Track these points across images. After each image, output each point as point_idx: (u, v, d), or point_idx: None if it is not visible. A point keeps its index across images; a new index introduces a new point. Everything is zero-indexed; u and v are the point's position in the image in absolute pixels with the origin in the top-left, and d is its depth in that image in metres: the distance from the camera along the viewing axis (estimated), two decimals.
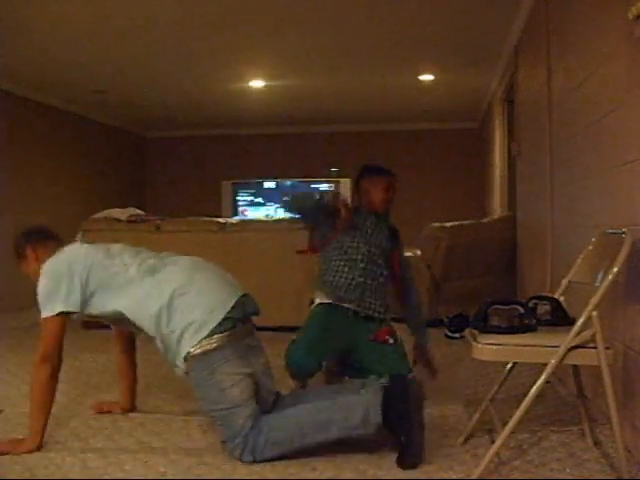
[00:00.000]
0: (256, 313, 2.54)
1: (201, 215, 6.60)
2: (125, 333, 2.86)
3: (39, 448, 2.43)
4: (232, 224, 5.57)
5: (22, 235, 2.71)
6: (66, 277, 2.46)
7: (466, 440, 2.50)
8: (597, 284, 2.12)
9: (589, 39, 2.99)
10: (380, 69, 6.66)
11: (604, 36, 2.74)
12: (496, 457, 2.22)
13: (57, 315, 2.45)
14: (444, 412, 2.93)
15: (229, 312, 2.38)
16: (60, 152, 8.00)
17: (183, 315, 2.37)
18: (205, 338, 2.33)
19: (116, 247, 2.61)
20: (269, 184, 10.02)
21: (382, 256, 3.23)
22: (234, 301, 2.42)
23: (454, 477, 2.17)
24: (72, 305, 2.46)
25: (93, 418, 2.87)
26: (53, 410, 2.50)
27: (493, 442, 2.26)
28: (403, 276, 3.38)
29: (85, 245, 2.62)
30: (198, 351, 2.33)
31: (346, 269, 3.10)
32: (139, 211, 5.83)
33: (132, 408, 2.95)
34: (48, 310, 2.46)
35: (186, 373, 2.40)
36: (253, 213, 10.00)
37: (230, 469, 2.27)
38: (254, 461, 2.30)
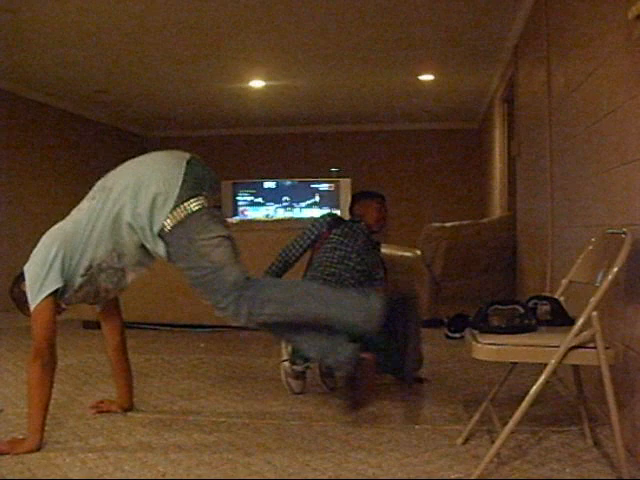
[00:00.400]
0: (214, 183, 2.54)
1: None
2: (116, 330, 2.87)
3: (39, 448, 2.43)
4: (232, 224, 5.57)
5: (14, 282, 2.66)
6: (42, 264, 2.48)
7: (466, 440, 2.50)
8: (597, 284, 2.12)
9: (589, 39, 2.99)
10: (380, 69, 6.66)
11: (604, 36, 2.74)
12: (496, 457, 2.22)
13: (43, 301, 2.45)
14: (444, 412, 2.93)
15: (185, 177, 2.40)
16: (60, 152, 8.00)
17: (146, 198, 2.39)
18: (174, 209, 2.36)
19: (76, 210, 2.62)
20: (269, 184, 10.02)
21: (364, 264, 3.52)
22: (184, 166, 2.43)
23: (454, 477, 2.17)
24: (53, 283, 2.46)
25: (93, 418, 2.87)
26: (53, 410, 2.50)
27: (493, 442, 2.26)
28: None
29: (56, 226, 2.61)
30: (172, 223, 2.36)
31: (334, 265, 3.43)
32: None
33: (130, 406, 2.95)
34: (34, 301, 2.47)
35: (168, 254, 2.41)
36: (253, 213, 10.00)
37: (230, 469, 2.27)
38: (250, 318, 2.34)
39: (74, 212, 2.62)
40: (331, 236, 3.50)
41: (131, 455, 2.39)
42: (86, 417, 2.88)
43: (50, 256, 2.48)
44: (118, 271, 2.60)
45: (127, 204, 2.44)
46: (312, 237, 3.55)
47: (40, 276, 2.47)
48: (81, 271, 2.53)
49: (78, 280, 2.54)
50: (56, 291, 2.49)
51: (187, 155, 2.53)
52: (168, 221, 2.37)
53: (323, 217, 3.62)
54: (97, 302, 2.78)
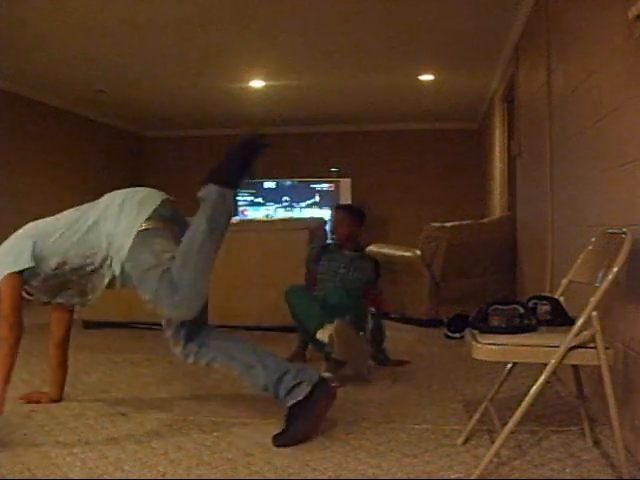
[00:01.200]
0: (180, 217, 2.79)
1: None
2: (63, 324, 3.05)
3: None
4: (232, 224, 5.56)
5: None
6: (15, 244, 2.72)
7: (466, 440, 2.50)
8: (597, 284, 2.12)
9: (589, 39, 2.99)
10: (380, 69, 6.66)
11: (604, 36, 2.74)
12: (496, 457, 2.22)
13: (10, 275, 2.65)
14: (444, 412, 2.93)
15: (158, 206, 2.66)
16: (60, 152, 8.00)
17: (121, 222, 2.64)
18: (143, 223, 2.60)
19: (61, 213, 2.86)
20: (269, 184, 10.02)
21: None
22: (158, 201, 2.70)
23: (454, 477, 2.17)
24: (23, 262, 2.66)
25: (93, 418, 2.87)
26: (53, 410, 2.50)
27: (493, 442, 2.26)
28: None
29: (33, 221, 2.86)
30: (137, 233, 2.58)
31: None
32: None
33: (60, 398, 3.11)
34: (1, 274, 2.66)
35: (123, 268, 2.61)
36: (253, 213, 10.00)
37: (230, 469, 2.27)
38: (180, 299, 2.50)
39: (56, 215, 2.86)
40: (320, 264, 4.03)
41: (131, 455, 2.39)
42: (86, 417, 2.88)
43: (21, 240, 2.72)
44: (87, 277, 2.76)
45: (110, 218, 2.68)
46: (313, 269, 4.07)
47: (11, 254, 2.68)
48: (51, 265, 2.70)
49: (46, 271, 2.71)
50: (23, 271, 2.67)
51: (166, 195, 2.80)
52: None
53: (312, 249, 4.20)
54: (55, 299, 2.91)
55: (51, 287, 2.81)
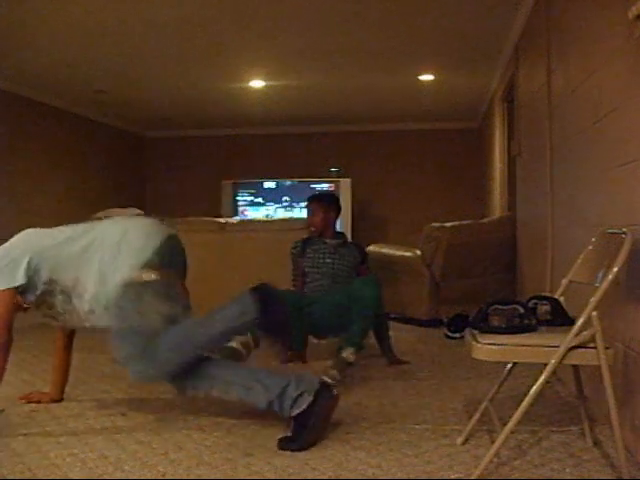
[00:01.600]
0: (182, 262, 2.79)
1: (201, 215, 6.61)
2: (67, 331, 3.05)
3: None
4: (232, 224, 5.57)
5: None
6: (5, 256, 2.68)
7: (466, 440, 2.50)
8: (597, 284, 2.12)
9: (589, 39, 2.99)
10: (380, 69, 6.66)
11: (604, 36, 2.74)
12: (496, 457, 2.22)
13: (4, 291, 2.64)
14: (444, 412, 2.93)
15: (158, 249, 2.60)
16: (60, 152, 8.00)
17: (120, 256, 2.58)
18: (140, 269, 2.54)
19: (60, 228, 2.82)
20: (269, 184, 10.01)
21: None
22: (160, 239, 2.65)
23: (454, 477, 2.17)
24: (16, 279, 2.64)
25: (93, 418, 2.87)
26: (53, 409, 2.50)
27: (493, 442, 2.26)
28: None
29: (32, 229, 2.82)
30: (131, 280, 2.52)
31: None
32: (139, 211, 5.84)
33: (61, 398, 3.13)
34: None
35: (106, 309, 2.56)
36: (253, 213, 9.99)
37: (230, 469, 2.27)
38: (152, 371, 2.54)
39: (55, 229, 2.82)
40: (306, 257, 4.11)
41: (131, 455, 2.39)
42: (86, 417, 2.88)
43: (18, 252, 2.68)
44: (70, 301, 2.69)
45: (106, 240, 2.64)
46: (299, 264, 4.16)
47: (5, 267, 2.66)
48: (43, 278, 2.67)
49: (40, 286, 2.69)
50: (17, 287, 2.66)
51: (170, 230, 2.77)
52: (129, 277, 2.54)
53: (295, 246, 4.24)
54: (49, 317, 2.86)
55: (44, 303, 2.76)
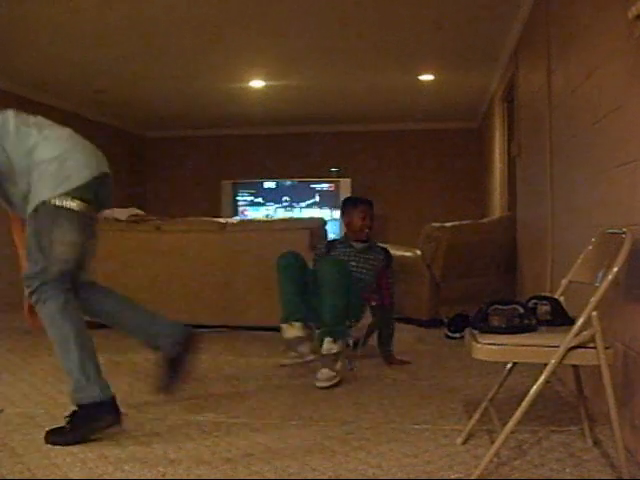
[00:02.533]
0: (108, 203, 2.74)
1: (201, 215, 6.60)
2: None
3: None
4: (232, 224, 5.57)
5: None
6: None
7: (466, 440, 2.50)
8: (597, 284, 2.12)
9: (589, 39, 2.99)
10: (380, 69, 6.66)
11: (604, 36, 2.74)
12: (496, 457, 2.22)
13: None
14: (444, 412, 2.93)
15: (94, 178, 2.57)
16: None
17: (60, 165, 2.54)
18: (68, 194, 2.50)
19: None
20: (269, 184, 10.02)
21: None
22: (101, 171, 2.62)
23: (454, 477, 2.17)
24: None
25: None
26: (53, 409, 2.50)
27: (493, 442, 2.26)
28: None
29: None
30: (56, 202, 2.49)
31: None
32: (139, 211, 5.84)
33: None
34: None
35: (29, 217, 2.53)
36: (253, 213, 10.00)
37: (230, 469, 2.27)
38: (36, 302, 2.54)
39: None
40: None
41: (131, 455, 2.39)
42: None
43: None
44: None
45: (47, 152, 2.58)
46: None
47: None
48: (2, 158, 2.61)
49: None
50: None
51: (106, 167, 2.69)
52: (56, 199, 2.50)
53: (319, 249, 4.17)
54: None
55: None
